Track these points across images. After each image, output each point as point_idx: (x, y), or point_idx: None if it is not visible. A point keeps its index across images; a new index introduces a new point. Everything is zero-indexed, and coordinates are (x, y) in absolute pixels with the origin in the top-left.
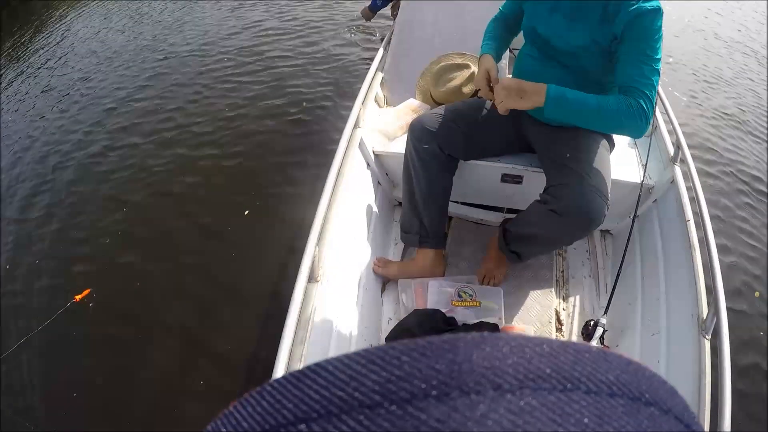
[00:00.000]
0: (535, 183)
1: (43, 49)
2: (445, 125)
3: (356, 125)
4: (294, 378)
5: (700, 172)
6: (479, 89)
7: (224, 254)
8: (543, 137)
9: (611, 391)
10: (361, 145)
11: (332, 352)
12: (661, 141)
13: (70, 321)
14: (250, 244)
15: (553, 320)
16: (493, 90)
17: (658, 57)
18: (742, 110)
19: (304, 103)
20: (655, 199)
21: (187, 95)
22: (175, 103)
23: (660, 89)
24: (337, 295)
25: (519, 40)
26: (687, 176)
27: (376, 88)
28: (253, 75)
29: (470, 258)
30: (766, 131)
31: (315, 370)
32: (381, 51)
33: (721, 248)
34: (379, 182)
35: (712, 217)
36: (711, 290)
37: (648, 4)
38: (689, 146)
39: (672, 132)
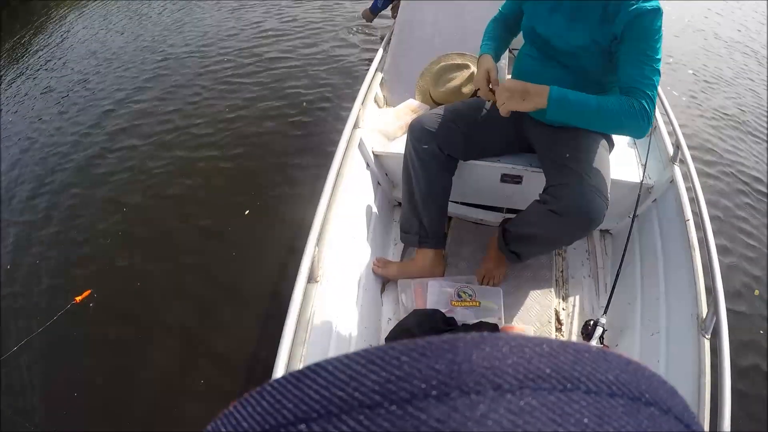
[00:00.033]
0: (534, 183)
1: (42, 50)
2: (444, 125)
3: (356, 125)
4: (294, 378)
5: (699, 172)
6: (479, 89)
7: (224, 254)
8: (544, 137)
9: (611, 391)
10: (361, 146)
11: (332, 353)
12: (660, 141)
13: (71, 322)
14: (250, 244)
15: (553, 320)
16: (493, 90)
17: (658, 57)
18: (742, 110)
19: (304, 104)
20: (655, 199)
21: (186, 96)
22: (174, 105)
23: (659, 89)
24: (337, 296)
25: (518, 41)
26: (686, 176)
27: (376, 88)
28: (253, 76)
29: (470, 258)
30: (765, 131)
31: (315, 370)
32: (380, 51)
33: (720, 249)
34: (378, 182)
35: (711, 218)
36: (710, 290)
37: (648, 4)
38: (689, 146)
39: (671, 132)
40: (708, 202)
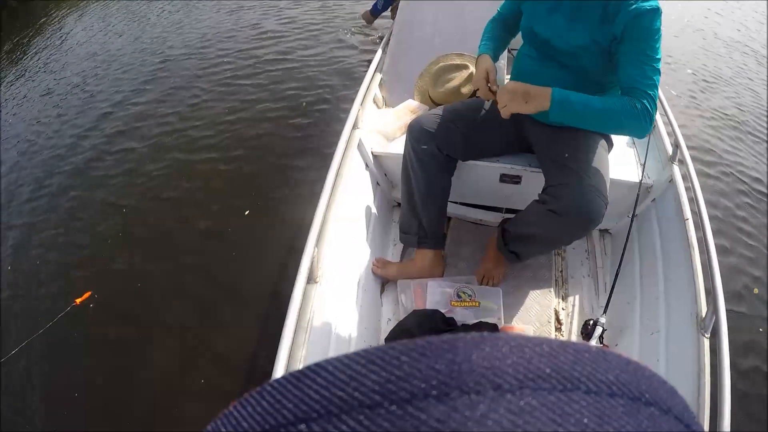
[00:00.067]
0: (533, 183)
1: (42, 51)
2: (443, 126)
3: (355, 126)
4: (294, 378)
5: (698, 172)
6: (478, 89)
7: (224, 254)
8: (543, 137)
9: (611, 391)
10: (360, 146)
11: (332, 353)
12: (659, 140)
13: (71, 323)
14: (250, 244)
15: (553, 320)
16: (492, 90)
17: (658, 57)
18: (742, 110)
19: (303, 105)
20: (654, 199)
21: (185, 98)
22: (173, 107)
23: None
24: (337, 296)
25: (517, 41)
26: (685, 176)
27: (375, 89)
28: (252, 78)
29: (469, 258)
30: (765, 131)
31: (315, 370)
32: (380, 52)
33: (720, 248)
34: (378, 183)
35: (711, 217)
36: (710, 289)
37: (647, 4)
38: (688, 147)
39: (671, 132)
40: (707, 202)
